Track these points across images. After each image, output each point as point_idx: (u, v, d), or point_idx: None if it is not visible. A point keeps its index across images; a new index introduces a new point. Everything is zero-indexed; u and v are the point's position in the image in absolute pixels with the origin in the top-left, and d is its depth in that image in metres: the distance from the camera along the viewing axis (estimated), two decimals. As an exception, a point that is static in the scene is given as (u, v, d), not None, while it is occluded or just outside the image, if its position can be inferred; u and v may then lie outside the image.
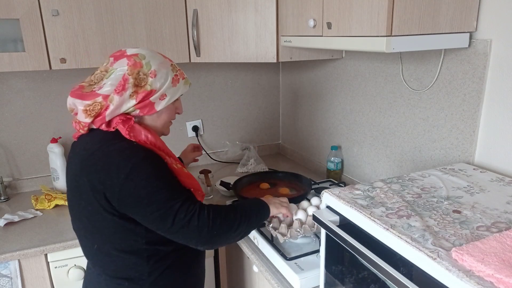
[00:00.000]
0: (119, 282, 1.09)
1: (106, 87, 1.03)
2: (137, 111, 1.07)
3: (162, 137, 1.14)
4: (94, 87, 1.04)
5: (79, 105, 1.03)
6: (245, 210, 1.17)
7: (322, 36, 1.31)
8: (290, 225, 1.28)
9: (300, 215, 1.30)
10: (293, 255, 1.22)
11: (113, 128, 1.05)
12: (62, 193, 1.81)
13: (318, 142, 2.07)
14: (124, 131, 1.04)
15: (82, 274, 1.51)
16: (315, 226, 1.24)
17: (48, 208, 1.72)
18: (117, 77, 1.03)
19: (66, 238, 1.48)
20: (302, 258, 1.21)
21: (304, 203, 1.39)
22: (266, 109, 2.39)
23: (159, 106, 1.09)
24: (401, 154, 1.54)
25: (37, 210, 1.71)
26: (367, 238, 0.84)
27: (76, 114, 1.05)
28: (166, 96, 1.09)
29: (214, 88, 2.23)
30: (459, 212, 0.86)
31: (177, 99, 1.15)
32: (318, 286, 1.08)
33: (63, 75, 1.90)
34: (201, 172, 1.89)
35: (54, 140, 1.86)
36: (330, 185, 1.82)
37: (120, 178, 0.97)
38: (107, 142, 1.03)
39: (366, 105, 1.68)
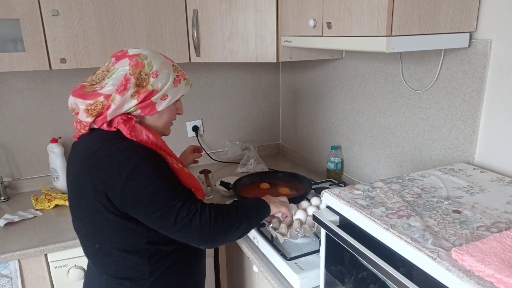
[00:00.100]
0: (120, 282, 1.09)
1: (108, 87, 1.03)
2: (138, 111, 1.07)
3: (163, 137, 1.15)
4: (96, 87, 1.04)
5: (81, 104, 1.03)
6: (246, 209, 1.17)
7: (322, 36, 1.31)
8: (290, 225, 1.28)
9: (300, 215, 1.30)
10: (293, 255, 1.22)
11: (114, 127, 1.05)
12: (62, 193, 1.81)
13: (318, 142, 2.07)
14: (125, 131, 1.04)
15: (82, 274, 1.51)
16: (315, 226, 1.24)
17: (48, 208, 1.72)
18: (119, 77, 1.03)
19: (66, 238, 1.48)
20: (302, 258, 1.21)
21: (304, 203, 1.39)
22: (266, 109, 2.39)
23: (160, 106, 1.09)
24: (401, 154, 1.54)
25: (37, 210, 1.71)
26: (367, 238, 0.84)
27: (77, 114, 1.05)
28: (167, 96, 1.10)
29: (214, 88, 2.23)
30: (459, 212, 0.86)
31: (178, 100, 1.15)
32: (318, 286, 1.08)
33: (63, 75, 1.90)
34: (201, 172, 1.89)
35: (54, 140, 1.86)
36: (330, 185, 1.82)
37: (122, 177, 0.98)
38: (108, 141, 1.03)
39: (366, 105, 1.68)
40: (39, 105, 1.89)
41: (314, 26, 1.33)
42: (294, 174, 1.79)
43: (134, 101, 1.05)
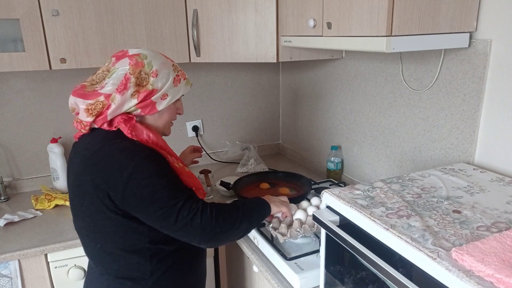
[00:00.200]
0: (122, 281, 1.10)
1: (108, 86, 1.03)
2: (139, 111, 1.07)
3: (163, 137, 1.15)
4: (96, 87, 1.05)
5: (81, 104, 1.03)
6: (247, 208, 1.17)
7: (322, 36, 1.31)
8: (290, 225, 1.28)
9: (300, 215, 1.30)
10: (293, 255, 1.22)
11: (115, 127, 1.05)
12: (62, 193, 1.81)
13: (318, 142, 2.07)
14: (126, 130, 1.04)
15: (82, 274, 1.51)
16: (315, 226, 1.24)
17: (48, 208, 1.72)
18: (119, 76, 1.04)
19: (66, 238, 1.48)
20: (302, 258, 1.21)
21: (304, 203, 1.39)
22: (266, 109, 2.39)
23: (161, 106, 1.10)
24: (401, 154, 1.54)
25: (37, 210, 1.71)
26: (367, 238, 0.84)
27: (78, 114, 1.06)
28: (167, 96, 1.10)
29: (214, 88, 2.23)
30: (459, 212, 0.86)
31: (178, 100, 1.16)
32: (318, 286, 1.08)
33: (63, 75, 1.90)
34: (201, 172, 1.89)
35: (54, 140, 1.86)
36: (330, 185, 1.82)
37: (123, 177, 0.98)
38: (109, 141, 1.04)
39: (366, 105, 1.68)
40: (39, 105, 1.89)
41: (314, 26, 1.33)
42: (294, 174, 1.79)
43: (134, 101, 1.05)
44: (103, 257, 1.10)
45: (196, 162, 1.64)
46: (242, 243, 1.42)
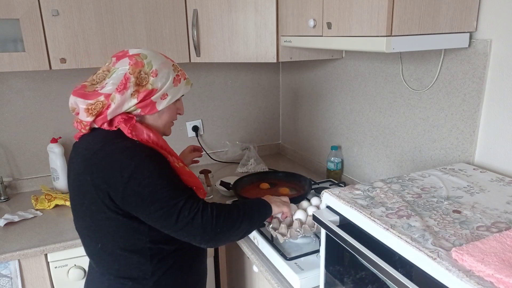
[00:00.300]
0: (122, 281, 1.10)
1: (108, 86, 1.03)
2: (139, 110, 1.07)
3: (164, 137, 1.15)
4: (97, 87, 1.05)
5: (81, 104, 1.03)
6: (247, 208, 1.17)
7: (322, 36, 1.31)
8: (290, 225, 1.28)
9: (300, 215, 1.30)
10: (293, 255, 1.22)
11: (115, 127, 1.05)
12: (62, 193, 1.81)
13: (318, 142, 2.07)
14: (126, 130, 1.04)
15: (82, 274, 1.51)
16: (315, 226, 1.24)
17: (48, 208, 1.72)
18: (119, 76, 1.04)
19: (66, 238, 1.48)
20: (302, 258, 1.21)
21: (304, 203, 1.39)
22: (266, 109, 2.39)
23: (160, 106, 1.10)
24: (401, 154, 1.54)
25: (37, 210, 1.71)
26: (367, 238, 0.84)
27: (78, 114, 1.06)
28: (167, 95, 1.10)
29: (214, 88, 2.23)
30: (459, 212, 0.86)
31: (178, 100, 1.16)
32: (318, 286, 1.08)
33: (63, 75, 1.90)
34: (201, 172, 1.89)
35: (54, 140, 1.86)
36: (330, 185, 1.82)
37: (124, 177, 0.98)
38: (109, 141, 1.04)
39: (366, 105, 1.68)
40: (39, 105, 1.89)
41: (314, 26, 1.33)
42: (294, 174, 1.79)
43: (134, 100, 1.05)
44: (104, 257, 1.10)
45: (196, 161, 1.64)
46: (242, 243, 1.42)
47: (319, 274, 1.06)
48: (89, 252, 1.15)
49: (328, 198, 0.98)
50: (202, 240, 1.06)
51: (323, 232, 1.00)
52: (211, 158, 2.29)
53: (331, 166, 1.88)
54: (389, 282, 0.77)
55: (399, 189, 0.99)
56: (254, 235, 1.38)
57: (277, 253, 1.24)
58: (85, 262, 1.50)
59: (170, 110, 1.14)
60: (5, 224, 1.57)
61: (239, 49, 1.69)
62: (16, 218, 1.60)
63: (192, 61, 1.78)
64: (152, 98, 1.07)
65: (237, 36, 1.68)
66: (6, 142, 1.87)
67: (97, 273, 1.14)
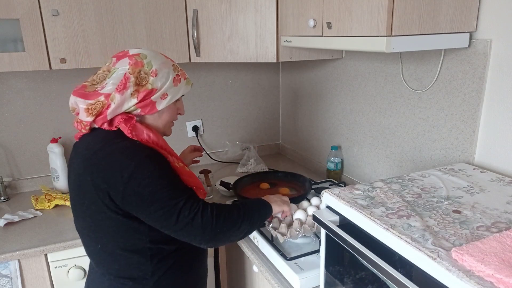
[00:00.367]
0: (123, 281, 1.10)
1: (109, 86, 1.04)
2: (138, 110, 1.07)
3: (164, 137, 1.15)
4: (97, 87, 1.05)
5: (81, 104, 1.03)
6: (248, 208, 1.17)
7: (322, 36, 1.31)
8: (290, 225, 1.28)
9: (300, 215, 1.30)
10: (293, 255, 1.22)
11: (115, 127, 1.05)
12: (62, 193, 1.81)
13: (318, 142, 2.07)
14: (126, 130, 1.04)
15: (82, 274, 1.51)
16: (315, 226, 1.24)
17: (48, 208, 1.72)
18: (119, 76, 1.04)
19: (66, 238, 1.48)
20: (302, 258, 1.21)
21: (304, 203, 1.39)
22: (266, 109, 2.39)
23: (160, 106, 1.10)
24: (401, 154, 1.54)
25: (37, 210, 1.71)
26: (367, 238, 0.84)
27: (78, 114, 1.06)
28: (167, 95, 1.10)
29: (214, 88, 2.23)
30: (459, 212, 0.86)
31: (178, 100, 1.16)
32: (318, 286, 1.08)
33: (63, 75, 1.90)
34: (201, 172, 1.89)
35: (54, 140, 1.86)
36: (330, 185, 1.82)
37: (124, 177, 0.98)
38: (109, 141, 1.04)
39: (366, 105, 1.68)
40: (39, 105, 1.89)
41: (314, 26, 1.33)
42: (294, 174, 1.79)
43: (134, 100, 1.05)
44: (104, 257, 1.10)
45: (197, 161, 1.64)
46: (242, 243, 1.42)
47: (319, 274, 1.06)
48: (89, 252, 1.15)
49: (328, 198, 0.98)
50: (202, 240, 1.06)
51: (323, 232, 1.00)
52: (211, 158, 2.29)
53: (331, 166, 1.88)
54: (389, 282, 0.77)
55: (399, 189, 0.99)
56: (254, 235, 1.38)
57: (277, 253, 1.24)
58: (85, 262, 1.50)
59: (170, 110, 1.14)
60: (5, 224, 1.57)
61: (239, 49, 1.69)
62: (16, 218, 1.60)
63: (192, 61, 1.78)
64: (152, 97, 1.07)
65: (237, 36, 1.68)
66: (6, 142, 1.87)
67: (97, 273, 1.14)
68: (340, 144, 1.90)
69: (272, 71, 2.33)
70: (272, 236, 1.29)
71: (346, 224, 0.92)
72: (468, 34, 1.18)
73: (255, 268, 1.35)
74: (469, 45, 1.19)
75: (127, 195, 0.99)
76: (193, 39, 1.72)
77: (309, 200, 1.41)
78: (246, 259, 1.51)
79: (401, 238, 0.76)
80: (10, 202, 1.81)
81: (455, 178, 1.06)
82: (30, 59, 1.52)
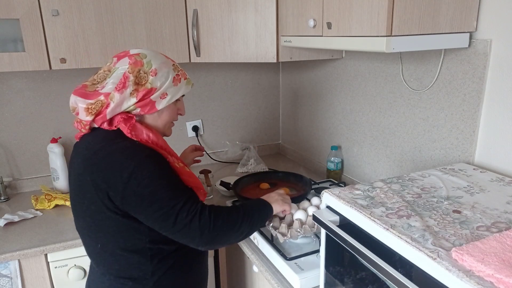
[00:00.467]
0: (123, 281, 1.10)
1: (108, 86, 1.04)
2: (138, 110, 1.07)
3: (164, 137, 1.15)
4: (97, 87, 1.05)
5: (81, 103, 1.04)
6: (247, 209, 1.17)
7: (322, 36, 1.31)
8: (290, 225, 1.28)
9: (300, 215, 1.30)
10: (293, 255, 1.22)
11: (115, 126, 1.05)
12: (62, 193, 1.81)
13: (318, 142, 2.07)
14: (125, 130, 1.04)
15: (82, 274, 1.51)
16: (315, 226, 1.24)
17: (48, 208, 1.72)
18: (118, 75, 1.04)
19: (66, 238, 1.48)
20: (302, 258, 1.21)
21: (304, 203, 1.39)
22: (266, 109, 2.39)
23: (160, 105, 1.09)
24: (401, 154, 1.54)
25: (37, 210, 1.71)
26: (367, 238, 0.84)
27: (78, 114, 1.06)
28: (167, 95, 1.10)
29: (214, 88, 2.23)
30: (459, 212, 0.86)
31: (179, 100, 1.16)
32: (318, 286, 1.08)
33: (63, 75, 1.90)
34: (201, 172, 1.89)
35: (54, 140, 1.86)
36: (330, 185, 1.82)
37: (123, 177, 0.98)
38: (109, 141, 1.04)
39: (366, 105, 1.68)
40: (39, 105, 1.89)
41: (314, 26, 1.33)
42: (294, 174, 1.79)
43: (133, 99, 1.05)
44: (104, 257, 1.10)
45: (198, 161, 1.64)
46: (242, 243, 1.42)
47: (319, 274, 1.06)
48: (89, 252, 1.15)
49: (328, 198, 0.98)
50: (200, 242, 1.06)
51: (323, 232, 1.00)
52: (211, 158, 2.29)
53: (331, 166, 1.88)
54: (389, 282, 0.77)
55: (399, 189, 0.99)
56: (254, 235, 1.38)
57: (277, 253, 1.24)
58: (85, 262, 1.50)
59: (170, 110, 1.14)
60: (5, 224, 1.57)
61: (239, 49, 1.69)
62: (16, 218, 1.60)
63: (192, 61, 1.78)
64: (152, 97, 1.07)
65: (237, 36, 1.68)
66: (6, 142, 1.87)
67: (97, 273, 1.14)
68: (340, 144, 1.90)
69: (272, 71, 2.33)
70: (272, 236, 1.29)
71: (346, 224, 0.92)
72: (468, 34, 1.18)
73: (255, 268, 1.35)
74: (469, 45, 1.19)
75: (127, 195, 0.99)
76: (193, 39, 1.73)
77: (309, 200, 1.41)
78: (246, 259, 1.51)
79: (401, 238, 0.76)
80: (10, 202, 1.81)
81: (455, 178, 1.06)
82: (30, 59, 1.52)
